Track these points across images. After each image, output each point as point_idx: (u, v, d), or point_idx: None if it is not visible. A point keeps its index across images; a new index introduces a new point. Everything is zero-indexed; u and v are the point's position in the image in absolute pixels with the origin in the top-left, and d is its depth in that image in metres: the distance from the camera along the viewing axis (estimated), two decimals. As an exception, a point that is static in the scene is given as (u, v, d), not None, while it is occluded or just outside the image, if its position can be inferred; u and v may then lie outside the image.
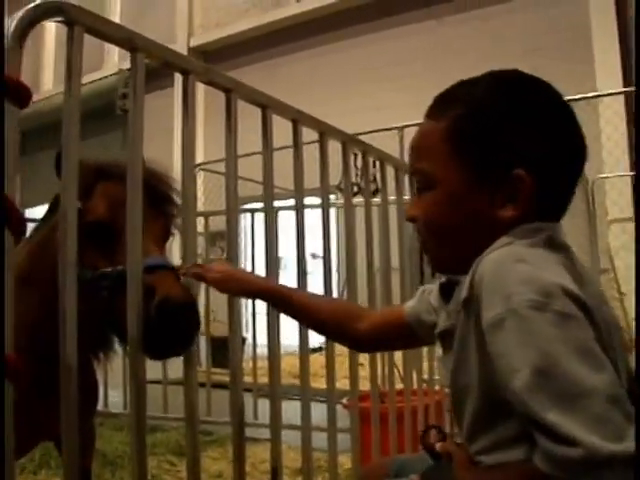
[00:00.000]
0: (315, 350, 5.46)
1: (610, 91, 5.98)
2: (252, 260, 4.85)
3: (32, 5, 1.06)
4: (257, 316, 5.01)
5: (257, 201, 3.66)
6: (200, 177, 8.06)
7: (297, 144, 1.81)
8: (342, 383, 2.46)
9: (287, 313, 1.50)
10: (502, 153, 1.00)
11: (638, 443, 0.78)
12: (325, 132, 1.95)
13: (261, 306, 1.70)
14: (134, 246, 1.25)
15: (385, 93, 10.24)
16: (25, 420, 1.50)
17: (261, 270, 1.71)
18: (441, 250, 1.11)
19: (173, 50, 1.38)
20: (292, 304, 1.47)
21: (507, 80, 1.06)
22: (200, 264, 1.46)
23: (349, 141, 2.12)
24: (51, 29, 15.84)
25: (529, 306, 0.85)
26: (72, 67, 1.14)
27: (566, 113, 1.05)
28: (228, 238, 1.57)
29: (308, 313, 1.47)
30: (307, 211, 2.08)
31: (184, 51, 13.30)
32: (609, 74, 8.14)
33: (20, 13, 1.04)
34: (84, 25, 1.15)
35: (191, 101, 1.42)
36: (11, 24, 1.02)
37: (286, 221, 1.64)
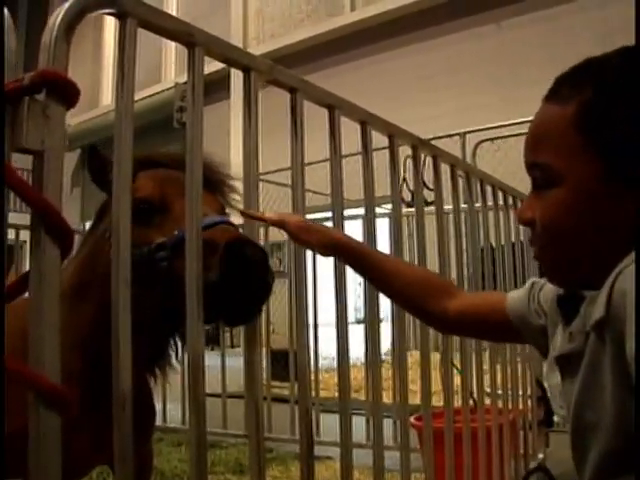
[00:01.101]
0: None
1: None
2: (314, 271, 4.73)
3: (82, -6, 0.96)
4: (319, 327, 4.91)
5: (319, 211, 3.56)
6: (259, 188, 8.02)
7: (366, 148, 1.69)
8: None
9: (364, 274, 1.38)
10: (638, 144, 0.83)
11: (637, 452, 0.67)
12: (394, 135, 1.82)
13: (321, 318, 1.59)
14: (192, 198, 1.12)
15: (443, 101, 10.09)
16: (79, 443, 1.42)
17: (327, 285, 1.59)
18: (562, 260, 0.95)
19: (234, 45, 1.27)
20: (372, 264, 1.34)
21: None
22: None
23: (420, 145, 1.98)
24: (110, 43, 16.16)
25: None
26: (125, 63, 1.03)
27: None
28: (291, 250, 1.44)
29: (389, 276, 1.34)
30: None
31: (240, 63, 13.40)
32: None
33: (67, 3, 0.94)
34: (138, 17, 1.04)
35: (254, 101, 1.30)
36: (58, 15, 0.92)
37: (351, 232, 1.53)
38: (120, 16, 1.03)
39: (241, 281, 1.16)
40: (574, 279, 0.97)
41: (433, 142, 6.38)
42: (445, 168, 2.17)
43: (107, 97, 15.04)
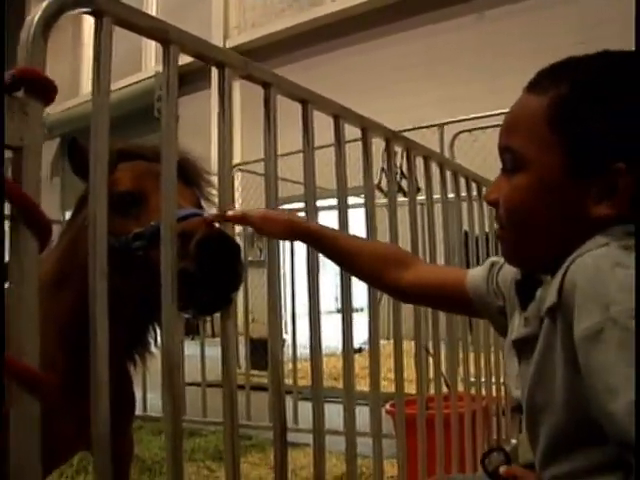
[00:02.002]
0: (356, 351, 5.38)
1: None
2: (292, 262, 4.77)
3: (58, -6, 0.99)
4: (297, 317, 4.95)
5: (296, 201, 3.61)
6: (238, 178, 8.04)
7: (339, 141, 1.73)
8: (382, 385, 2.36)
9: (327, 255, 1.41)
10: (605, 143, 0.89)
11: (637, 451, 0.70)
12: (368, 128, 1.86)
13: (300, 307, 1.63)
14: (168, 191, 1.17)
15: (423, 91, 10.13)
16: (61, 428, 1.45)
17: (301, 272, 1.63)
18: (520, 242, 1.01)
19: (208, 42, 1.30)
20: (334, 244, 1.38)
21: (622, 64, 0.95)
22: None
23: (393, 137, 2.03)
24: (90, 31, 16.05)
25: (631, 317, 0.75)
26: (101, 61, 1.06)
27: None
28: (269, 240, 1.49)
29: (351, 254, 1.38)
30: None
31: (220, 52, 13.36)
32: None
33: (45, 3, 0.97)
34: (114, 16, 1.08)
35: (228, 96, 1.34)
36: (36, 14, 0.95)
37: (326, 222, 1.58)
38: (96, 15, 1.06)
39: (213, 272, 1.21)
40: (529, 261, 1.02)
41: (412, 132, 6.42)
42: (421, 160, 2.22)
43: (87, 86, 14.90)
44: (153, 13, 14.26)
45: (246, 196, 8.61)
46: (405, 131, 6.24)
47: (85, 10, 1.04)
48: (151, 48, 15.16)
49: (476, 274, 1.25)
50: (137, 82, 13.58)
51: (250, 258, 6.08)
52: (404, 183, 2.74)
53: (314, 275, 1.58)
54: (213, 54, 1.32)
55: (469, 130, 5.78)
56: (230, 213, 1.30)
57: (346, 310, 1.74)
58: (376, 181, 3.39)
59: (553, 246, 0.93)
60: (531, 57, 9.35)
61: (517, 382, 0.97)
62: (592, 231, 0.89)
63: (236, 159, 10.57)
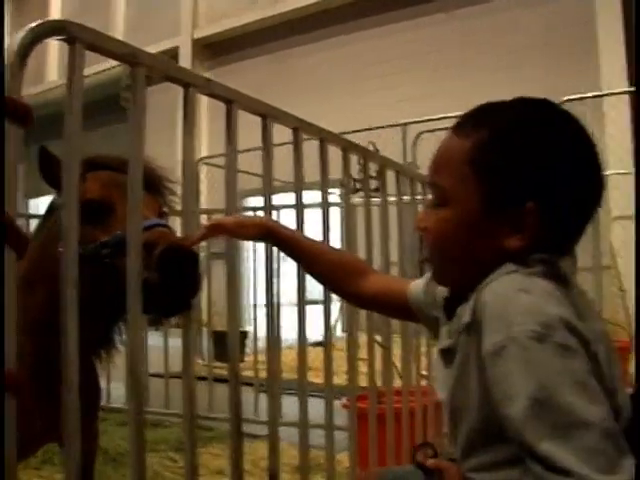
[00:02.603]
0: (317, 344, 5.49)
1: (613, 91, 6.04)
2: (254, 253, 4.89)
3: (34, 24, 1.08)
4: (259, 309, 5.06)
5: (259, 194, 3.70)
6: (203, 171, 8.10)
7: (297, 151, 1.83)
8: (343, 379, 2.46)
9: (293, 258, 1.52)
10: (517, 187, 1.01)
11: (637, 451, 0.82)
12: (325, 139, 1.98)
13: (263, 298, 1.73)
14: (133, 205, 1.27)
15: (387, 90, 10.24)
16: (29, 422, 1.54)
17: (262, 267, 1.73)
18: (443, 267, 1.14)
19: (174, 64, 1.40)
20: (299, 249, 1.48)
21: (535, 113, 1.07)
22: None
23: (349, 147, 2.14)
24: (56, 16, 15.89)
25: (530, 336, 0.88)
26: (73, 84, 1.15)
27: (590, 153, 1.06)
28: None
29: (313, 260, 1.49)
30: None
31: (188, 43, 13.32)
32: (614, 72, 8.16)
33: (22, 32, 1.06)
34: (85, 42, 1.17)
35: (191, 113, 1.43)
36: (12, 46, 1.04)
37: (289, 218, 1.73)
38: (69, 41, 1.15)
39: (173, 281, 1.32)
40: (452, 283, 1.16)
41: (375, 132, 6.52)
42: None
43: (53, 73, 14.77)
44: (122, 3, 14.17)
45: (211, 189, 8.68)
46: (368, 130, 6.40)
47: (59, 38, 1.13)
48: (119, 35, 15.06)
49: (417, 286, 1.37)
50: (104, 70, 13.46)
51: (213, 250, 6.16)
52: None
53: (271, 269, 1.69)
54: (179, 75, 1.41)
55: (431, 130, 5.92)
56: (201, 233, 1.42)
57: (301, 303, 1.85)
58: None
59: (471, 271, 1.05)
60: (496, 57, 9.57)
61: (442, 385, 1.09)
62: (505, 259, 1.01)
63: (203, 152, 10.62)
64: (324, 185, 2.00)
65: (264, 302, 1.77)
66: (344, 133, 6.01)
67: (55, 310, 1.16)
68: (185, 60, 13.44)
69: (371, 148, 6.84)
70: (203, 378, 4.39)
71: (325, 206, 2.01)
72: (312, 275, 1.60)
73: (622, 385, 1.00)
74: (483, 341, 0.93)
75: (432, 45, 10.16)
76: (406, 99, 9.56)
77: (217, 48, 13.25)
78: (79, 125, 1.16)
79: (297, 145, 1.82)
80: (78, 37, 1.15)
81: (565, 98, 5.31)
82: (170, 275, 1.32)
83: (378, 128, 6.10)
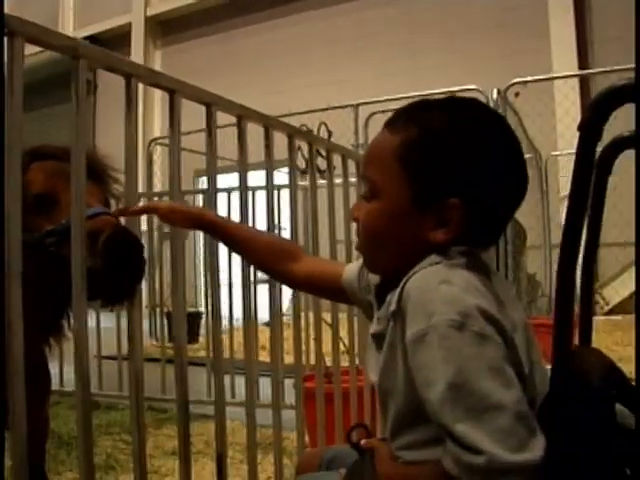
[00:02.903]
0: (268, 324, 5.52)
1: (563, 73, 6.19)
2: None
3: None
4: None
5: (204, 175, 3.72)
6: (156, 152, 8.04)
7: (241, 139, 1.86)
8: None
9: (226, 244, 1.57)
10: (442, 183, 1.06)
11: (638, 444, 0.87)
12: (270, 126, 2.01)
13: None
14: (77, 193, 1.30)
15: (343, 68, 10.27)
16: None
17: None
18: (372, 256, 1.20)
19: (116, 56, 1.42)
20: (229, 234, 1.53)
21: (463, 113, 1.12)
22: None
23: (295, 133, 2.18)
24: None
25: (449, 325, 0.94)
26: (14, 78, 1.17)
27: (514, 152, 1.12)
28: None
29: (243, 243, 1.53)
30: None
31: (141, 20, 13.12)
32: (564, 54, 8.32)
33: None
34: (25, 36, 1.18)
35: (134, 105, 1.46)
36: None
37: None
38: (9, 35, 1.16)
39: (118, 268, 1.36)
40: (381, 271, 1.23)
41: (328, 112, 6.54)
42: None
43: None
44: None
45: (165, 170, 8.61)
46: (320, 110, 6.42)
47: (-3, 32, 1.14)
48: (69, 12, 14.74)
49: (351, 270, 1.42)
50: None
51: (166, 230, 6.15)
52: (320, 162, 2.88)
53: (213, 249, 1.73)
54: (121, 66, 1.43)
55: (383, 111, 5.97)
56: (134, 208, 1.45)
57: (246, 282, 1.90)
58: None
59: (399, 262, 1.11)
60: (449, 38, 9.67)
61: (373, 368, 1.15)
62: (431, 251, 1.08)
63: (156, 132, 10.53)
64: (269, 169, 2.04)
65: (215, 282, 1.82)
66: (295, 114, 6.05)
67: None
68: (138, 37, 13.25)
69: (323, 129, 6.86)
70: (157, 360, 4.41)
71: (270, 189, 2.05)
72: (245, 259, 1.66)
73: (541, 366, 1.07)
74: (406, 329, 0.99)
75: (381, 25, 10.21)
76: (357, 79, 9.61)
77: (169, 26, 13.10)
78: (20, 119, 1.18)
79: (241, 132, 1.86)
80: (18, 31, 1.17)
81: (514, 81, 5.43)
82: (115, 261, 1.35)
83: (330, 109, 6.14)
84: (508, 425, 0.89)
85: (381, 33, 10.26)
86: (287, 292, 3.54)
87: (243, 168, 1.88)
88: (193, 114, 1.69)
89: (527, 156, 6.70)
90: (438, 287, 0.99)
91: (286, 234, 2.39)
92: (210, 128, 1.72)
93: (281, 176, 3.68)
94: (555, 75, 6.65)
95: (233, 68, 11.63)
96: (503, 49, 8.92)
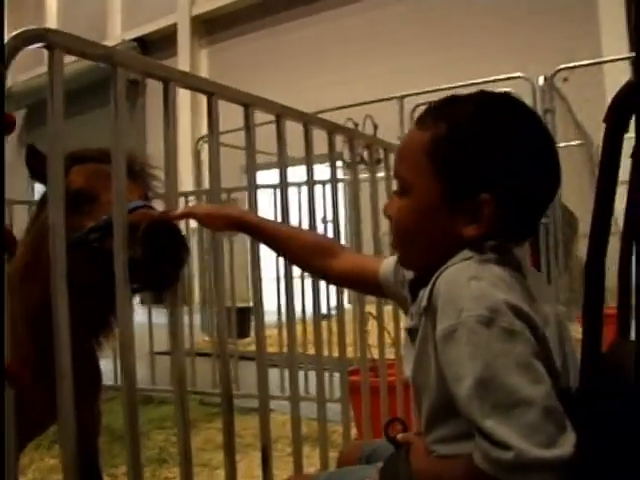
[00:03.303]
0: (323, 317, 5.51)
1: (612, 57, 6.01)
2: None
3: (13, 34, 1.14)
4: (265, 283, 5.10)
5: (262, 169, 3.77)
6: (204, 149, 8.14)
7: (281, 137, 1.89)
8: (347, 351, 2.52)
9: (265, 243, 1.58)
10: (472, 179, 1.06)
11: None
12: (309, 122, 2.03)
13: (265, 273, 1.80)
14: (119, 187, 1.34)
15: (383, 62, 10.23)
16: (33, 407, 1.63)
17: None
18: (405, 252, 1.21)
19: (152, 61, 1.46)
20: (267, 234, 1.55)
21: (494, 107, 1.11)
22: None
23: (334, 129, 2.19)
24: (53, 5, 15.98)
25: (477, 321, 0.94)
26: (54, 88, 1.21)
27: (545, 145, 1.11)
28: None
29: (283, 242, 1.55)
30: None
31: (186, 20, 13.29)
32: (614, 37, 8.09)
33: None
34: (64, 47, 1.22)
35: (172, 107, 1.49)
36: (-6, 54, 1.10)
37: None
38: (49, 48, 1.21)
39: (158, 257, 1.40)
40: (415, 267, 1.23)
41: (371, 105, 6.52)
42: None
43: (51, 55, 14.76)
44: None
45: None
46: (366, 103, 6.41)
47: (39, 45, 1.19)
48: (116, 15, 15.04)
49: (387, 266, 1.43)
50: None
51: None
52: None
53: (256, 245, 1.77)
54: (157, 71, 1.47)
55: (427, 103, 5.92)
56: (174, 213, 1.49)
57: (288, 278, 1.94)
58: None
59: (431, 258, 1.11)
60: (484, 29, 9.53)
61: (408, 363, 1.16)
62: (462, 247, 1.08)
63: (203, 131, 10.63)
64: (309, 165, 2.06)
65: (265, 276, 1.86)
66: (340, 108, 6.05)
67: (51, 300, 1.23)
68: (183, 37, 13.43)
69: (368, 122, 6.84)
70: (208, 354, 4.48)
71: (310, 185, 2.07)
72: (284, 257, 1.68)
73: (576, 359, 1.06)
74: (437, 325, 1.00)
75: (425, 17, 10.13)
76: (401, 71, 9.55)
77: (214, 24, 13.23)
78: (61, 125, 1.22)
79: (280, 131, 1.88)
80: (56, 43, 1.21)
81: (561, 67, 5.32)
82: (154, 249, 1.39)
83: (375, 102, 6.11)
84: (536, 421, 0.89)
85: (424, 24, 10.18)
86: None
87: (283, 165, 1.91)
88: (237, 110, 1.72)
89: (576, 143, 6.59)
90: (468, 283, 0.99)
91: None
92: (249, 128, 1.74)
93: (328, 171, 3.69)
94: (603, 59, 6.47)
95: (278, 64, 11.70)
96: (549, 35, 8.74)
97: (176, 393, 1.50)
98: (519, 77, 5.01)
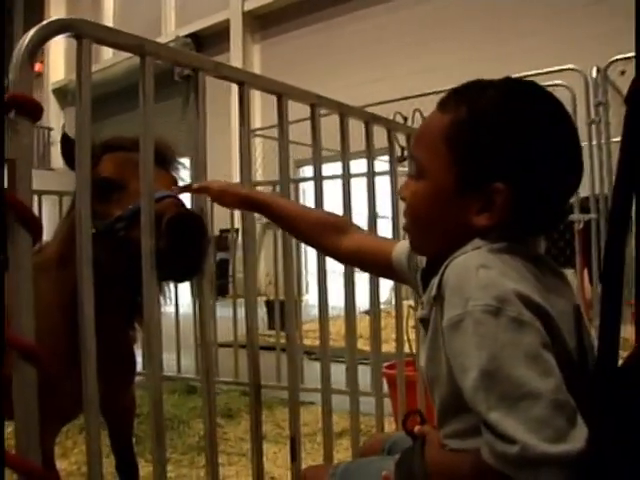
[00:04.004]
0: (368, 312, 5.49)
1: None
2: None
3: (42, 24, 1.16)
4: (311, 277, 5.11)
5: (307, 164, 3.80)
6: (254, 144, 8.19)
7: (315, 127, 1.88)
8: (392, 346, 2.51)
9: (275, 222, 1.59)
10: (487, 166, 1.03)
11: None
12: (345, 113, 2.02)
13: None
14: (145, 176, 1.36)
15: (438, 54, 10.13)
16: (67, 391, 1.66)
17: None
18: (417, 236, 1.18)
19: (181, 50, 1.47)
20: (277, 211, 1.54)
21: (517, 95, 1.06)
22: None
23: (371, 120, 2.17)
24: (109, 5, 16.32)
25: (485, 310, 0.91)
26: (82, 77, 1.23)
27: (568, 137, 1.06)
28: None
29: (293, 220, 1.54)
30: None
31: (238, 15, 13.39)
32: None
33: (31, 32, 1.14)
34: (93, 37, 1.24)
35: (202, 96, 1.50)
36: (22, 43, 1.12)
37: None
38: (77, 38, 1.23)
39: (181, 247, 1.41)
40: (425, 253, 1.21)
41: (421, 99, 6.44)
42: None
43: (108, 52, 15.04)
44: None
45: (268, 161, 8.76)
46: (416, 97, 6.34)
47: (67, 35, 1.21)
48: (170, 12, 15.26)
49: (400, 250, 1.40)
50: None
51: (267, 221, 6.28)
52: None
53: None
54: (187, 61, 1.48)
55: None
56: (194, 186, 1.51)
57: (348, 272, 1.96)
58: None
59: (442, 244, 1.09)
60: (542, 20, 9.32)
61: (422, 354, 1.14)
62: (474, 236, 1.04)
63: (257, 123, 10.72)
64: (345, 157, 2.04)
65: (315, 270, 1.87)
66: (389, 101, 6.01)
67: None
68: (236, 32, 13.53)
69: (417, 116, 6.77)
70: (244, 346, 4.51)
71: (347, 178, 2.06)
72: (294, 235, 1.66)
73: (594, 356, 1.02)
74: (444, 315, 0.97)
75: (470, 10, 10.02)
76: (449, 66, 9.43)
77: (266, 20, 13.31)
78: (88, 116, 1.24)
79: (314, 121, 1.87)
80: (85, 33, 1.23)
81: (615, 58, 5.16)
82: (177, 240, 1.40)
83: (433, 93, 6.04)
84: (544, 414, 0.85)
85: (468, 19, 10.04)
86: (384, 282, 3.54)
87: (317, 157, 1.90)
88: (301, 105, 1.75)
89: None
90: (476, 271, 0.96)
91: (387, 223, 2.37)
92: (281, 118, 1.75)
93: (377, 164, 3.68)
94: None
95: (330, 58, 11.70)
96: (601, 27, 8.50)
97: (203, 383, 1.52)
98: (571, 69, 4.88)
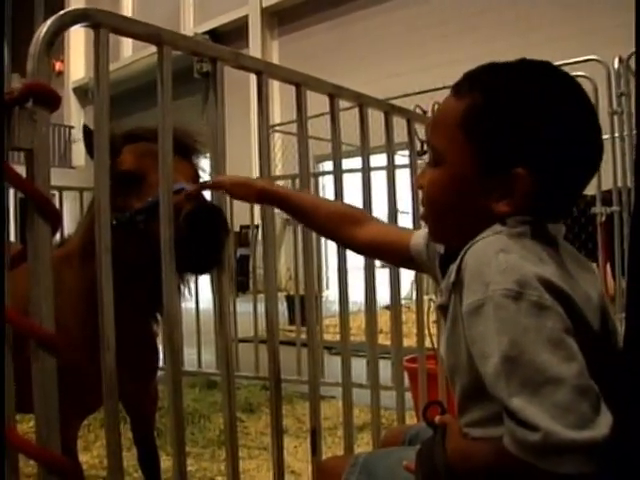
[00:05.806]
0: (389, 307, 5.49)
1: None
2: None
3: (59, 14, 1.16)
4: (331, 273, 5.10)
5: (327, 160, 3.79)
6: (273, 139, 8.19)
7: (334, 117, 1.87)
8: (414, 341, 2.46)
9: (290, 214, 1.57)
10: (506, 152, 1.00)
11: None
12: (364, 104, 2.00)
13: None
14: (165, 170, 1.36)
15: (455, 48, 10.07)
16: (91, 382, 1.67)
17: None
18: (435, 224, 1.16)
19: (198, 40, 1.46)
20: (293, 204, 1.52)
21: (533, 76, 1.03)
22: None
23: (391, 110, 2.15)
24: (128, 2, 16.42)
25: (505, 295, 0.88)
26: (100, 66, 1.23)
27: (588, 120, 1.03)
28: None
29: (309, 212, 1.52)
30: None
31: (257, 12, 13.40)
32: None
33: (48, 22, 1.14)
34: (110, 26, 1.24)
35: (220, 86, 1.49)
36: (40, 33, 1.12)
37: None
38: (94, 27, 1.23)
39: (199, 239, 1.42)
40: (445, 240, 1.19)
41: (441, 93, 6.39)
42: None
43: (127, 49, 15.15)
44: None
45: (288, 156, 8.76)
46: (436, 90, 6.29)
47: (84, 24, 1.21)
48: (189, 9, 15.31)
49: (419, 238, 1.38)
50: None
51: (287, 216, 6.29)
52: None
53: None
54: (204, 50, 1.47)
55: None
56: (209, 182, 1.50)
57: (369, 267, 1.95)
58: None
59: (461, 231, 1.06)
60: (563, 10, 9.23)
61: (442, 342, 1.12)
62: (493, 222, 1.02)
63: (276, 119, 10.74)
64: (364, 150, 2.03)
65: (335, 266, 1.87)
66: (406, 95, 5.98)
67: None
68: (255, 29, 13.54)
69: (437, 108, 6.76)
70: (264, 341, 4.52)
71: (366, 171, 2.04)
72: (309, 226, 1.65)
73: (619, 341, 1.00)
74: (463, 300, 0.95)
75: (490, 3, 9.96)
76: (469, 59, 9.36)
77: (284, 15, 13.31)
78: (107, 106, 1.24)
79: (333, 112, 1.86)
80: (102, 23, 1.23)
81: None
82: (196, 232, 1.40)
83: (441, 89, 6.00)
84: (567, 400, 0.83)
85: (490, 11, 9.97)
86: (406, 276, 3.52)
87: (337, 149, 1.89)
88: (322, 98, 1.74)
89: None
90: (496, 256, 0.93)
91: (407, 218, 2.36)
92: (300, 108, 1.73)
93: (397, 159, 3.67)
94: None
95: (349, 53, 11.68)
96: (623, 16, 8.38)
97: (222, 377, 1.52)
98: (593, 60, 4.81)
